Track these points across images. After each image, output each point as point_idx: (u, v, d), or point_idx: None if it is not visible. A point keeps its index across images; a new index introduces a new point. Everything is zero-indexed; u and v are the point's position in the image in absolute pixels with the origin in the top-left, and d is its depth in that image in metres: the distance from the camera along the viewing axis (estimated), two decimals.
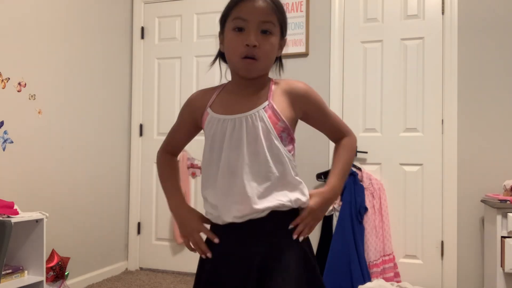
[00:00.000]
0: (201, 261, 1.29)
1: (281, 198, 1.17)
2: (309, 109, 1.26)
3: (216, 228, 1.23)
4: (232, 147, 1.17)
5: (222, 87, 1.30)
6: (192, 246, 1.28)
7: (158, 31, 3.89)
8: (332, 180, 1.26)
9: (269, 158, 1.17)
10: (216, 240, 1.21)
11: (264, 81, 1.26)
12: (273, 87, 1.24)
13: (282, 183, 1.18)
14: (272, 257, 1.15)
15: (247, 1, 1.17)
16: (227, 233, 1.20)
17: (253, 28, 1.17)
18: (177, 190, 1.35)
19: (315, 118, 1.29)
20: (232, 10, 1.20)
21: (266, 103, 1.20)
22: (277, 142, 1.17)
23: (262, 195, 1.16)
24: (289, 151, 1.21)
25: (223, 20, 1.25)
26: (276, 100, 1.21)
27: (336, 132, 1.32)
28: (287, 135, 1.21)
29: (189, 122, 1.32)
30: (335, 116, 1.32)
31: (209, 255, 1.23)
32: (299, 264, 1.17)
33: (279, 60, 1.30)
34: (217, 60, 1.32)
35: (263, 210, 1.16)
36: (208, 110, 1.25)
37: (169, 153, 1.40)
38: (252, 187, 1.16)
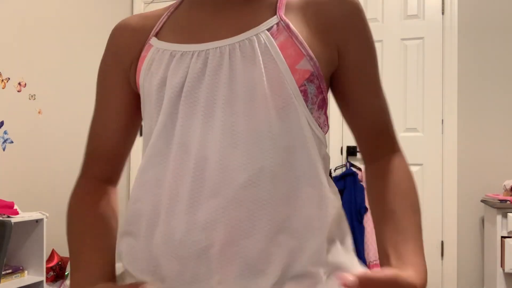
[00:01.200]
0: None
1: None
2: (353, 49, 0.65)
3: None
4: (200, 111, 0.60)
5: (176, 5, 0.70)
6: None
7: None
8: (414, 259, 0.63)
9: (279, 133, 0.59)
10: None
11: None
12: None
13: (309, 183, 0.60)
14: None
15: None
16: None
17: None
18: (88, 266, 0.67)
19: (358, 74, 0.66)
20: None
21: (274, 19, 0.62)
22: (297, 102, 0.60)
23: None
24: (320, 127, 0.64)
25: None
26: (293, 17, 0.63)
27: (380, 133, 0.72)
28: (316, 89, 0.63)
29: (118, 81, 0.71)
30: (387, 104, 0.72)
31: None
32: None
33: None
34: None
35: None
36: (152, 40, 0.66)
37: (94, 177, 0.76)
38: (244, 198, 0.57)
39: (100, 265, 0.66)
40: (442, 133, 3.15)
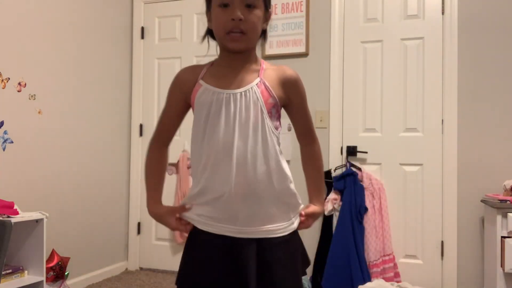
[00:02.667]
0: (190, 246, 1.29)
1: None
2: (294, 97, 1.30)
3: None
4: (227, 120, 1.21)
5: (211, 64, 1.32)
6: (181, 236, 1.47)
7: (158, 31, 3.89)
8: (322, 198, 1.40)
9: (259, 131, 1.21)
10: (188, 206, 1.30)
11: (252, 55, 1.29)
12: (264, 66, 1.29)
13: (268, 154, 1.23)
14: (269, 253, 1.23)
15: None
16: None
17: (237, 2, 1.20)
18: (156, 191, 1.37)
19: (295, 108, 1.32)
20: None
21: (258, 79, 1.25)
22: (267, 118, 1.23)
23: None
24: (276, 128, 1.26)
25: None
26: (267, 79, 1.26)
27: (307, 133, 1.37)
28: (276, 111, 1.27)
29: (179, 99, 1.32)
30: (311, 119, 1.38)
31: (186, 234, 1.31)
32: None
33: (264, 33, 1.32)
34: (206, 38, 1.35)
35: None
36: (201, 82, 1.26)
37: (160, 142, 1.37)
38: (241, 155, 1.21)
39: (159, 192, 1.39)
40: (442, 133, 3.15)
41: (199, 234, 1.25)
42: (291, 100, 1.29)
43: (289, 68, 1.30)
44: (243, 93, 1.22)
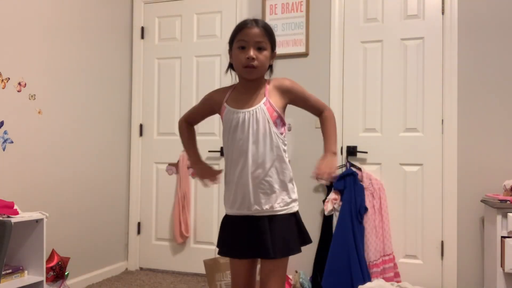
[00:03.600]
0: (224, 222, 1.85)
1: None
2: (294, 97, 1.79)
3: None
4: (244, 131, 1.71)
5: (233, 87, 1.83)
6: (209, 184, 1.91)
7: (158, 31, 3.89)
8: (332, 147, 1.77)
9: (267, 137, 1.71)
10: (218, 172, 1.89)
11: (261, 81, 1.79)
12: (267, 86, 1.77)
13: (275, 153, 1.73)
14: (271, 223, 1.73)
15: (247, 29, 1.71)
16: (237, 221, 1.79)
17: (251, 46, 1.70)
18: (195, 151, 1.95)
19: (299, 102, 1.82)
20: (237, 35, 1.73)
21: (264, 99, 1.73)
22: (273, 127, 1.72)
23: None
24: (281, 133, 1.75)
25: (231, 42, 1.77)
26: (271, 95, 1.75)
27: (317, 109, 1.84)
28: (280, 121, 1.75)
29: (208, 109, 1.89)
30: (315, 97, 1.84)
31: (216, 182, 1.89)
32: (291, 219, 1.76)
33: (270, 66, 1.83)
34: (229, 69, 1.86)
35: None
36: (225, 104, 1.78)
37: (187, 122, 1.95)
38: (254, 155, 1.71)
39: (198, 153, 1.96)
40: (442, 133, 3.15)
41: (227, 217, 1.82)
42: (293, 99, 1.79)
43: (282, 79, 1.79)
44: (253, 110, 1.71)
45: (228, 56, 1.82)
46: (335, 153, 1.76)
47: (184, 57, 3.80)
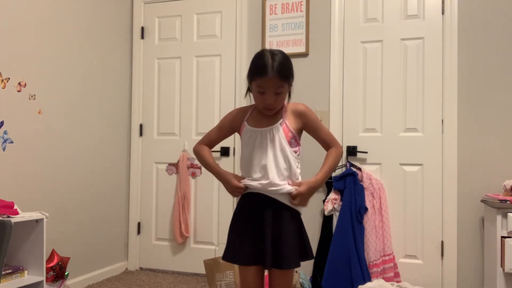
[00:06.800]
0: (236, 213, 1.96)
1: (288, 181, 1.88)
2: (306, 123, 1.90)
3: (250, 194, 1.90)
4: (262, 149, 1.86)
5: (253, 108, 1.95)
6: (235, 194, 1.94)
7: (158, 31, 3.89)
8: (319, 175, 1.88)
9: (282, 155, 1.84)
10: (242, 185, 1.88)
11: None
12: (284, 109, 1.90)
13: (290, 172, 1.87)
14: (279, 213, 1.85)
15: (267, 77, 1.77)
16: (256, 197, 1.88)
17: (270, 93, 1.81)
18: (217, 166, 2.00)
19: (311, 129, 1.92)
20: (256, 78, 1.80)
21: (281, 120, 1.87)
22: (287, 146, 1.85)
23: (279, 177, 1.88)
24: (295, 152, 1.89)
25: (250, 76, 1.85)
26: (287, 117, 1.89)
27: (327, 143, 1.92)
28: (295, 141, 1.88)
29: (228, 128, 2.00)
30: (327, 131, 1.96)
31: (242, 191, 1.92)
32: (293, 220, 1.88)
33: (288, 93, 1.93)
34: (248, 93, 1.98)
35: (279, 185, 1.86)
36: (245, 123, 1.92)
37: (204, 144, 2.02)
38: (273, 172, 1.84)
39: (219, 167, 2.02)
40: (442, 133, 3.15)
41: (246, 194, 1.92)
42: (306, 126, 1.91)
43: (299, 104, 1.92)
44: (270, 130, 1.86)
45: (246, 81, 1.93)
46: (321, 182, 1.88)
47: (184, 57, 3.80)
